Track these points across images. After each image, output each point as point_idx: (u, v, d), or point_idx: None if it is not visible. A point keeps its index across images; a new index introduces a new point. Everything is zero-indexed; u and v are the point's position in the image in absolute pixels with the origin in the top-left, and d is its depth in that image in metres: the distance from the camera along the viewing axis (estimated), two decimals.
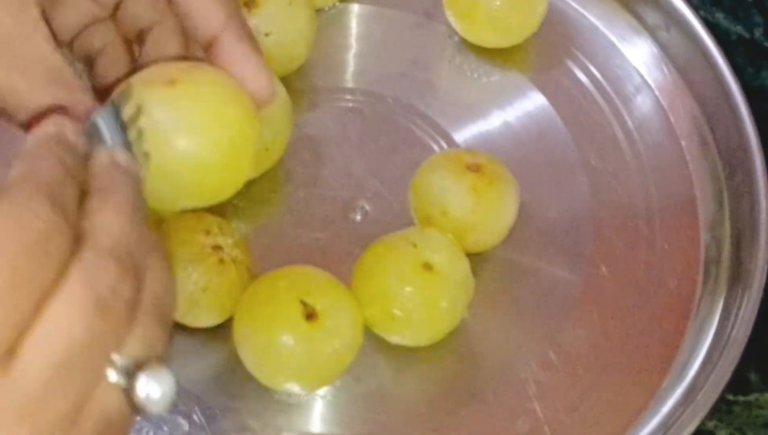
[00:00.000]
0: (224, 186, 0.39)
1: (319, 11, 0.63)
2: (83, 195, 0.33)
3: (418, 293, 0.52)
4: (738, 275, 0.56)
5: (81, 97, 0.38)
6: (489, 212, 0.55)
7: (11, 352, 0.29)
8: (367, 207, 0.58)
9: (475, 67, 0.63)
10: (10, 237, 0.29)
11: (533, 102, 0.62)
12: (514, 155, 0.59)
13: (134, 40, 0.43)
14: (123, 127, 0.36)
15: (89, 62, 0.43)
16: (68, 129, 0.34)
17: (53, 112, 0.36)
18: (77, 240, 0.31)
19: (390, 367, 0.54)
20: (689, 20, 0.62)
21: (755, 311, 0.53)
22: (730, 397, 0.55)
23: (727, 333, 0.54)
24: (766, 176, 0.57)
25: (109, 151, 0.35)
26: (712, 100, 0.61)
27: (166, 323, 0.33)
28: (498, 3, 0.60)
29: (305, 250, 0.56)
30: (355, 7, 0.65)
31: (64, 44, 0.42)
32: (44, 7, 0.39)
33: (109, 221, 0.32)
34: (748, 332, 0.53)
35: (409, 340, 0.53)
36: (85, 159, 0.34)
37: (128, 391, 0.31)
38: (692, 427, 0.51)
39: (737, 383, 0.54)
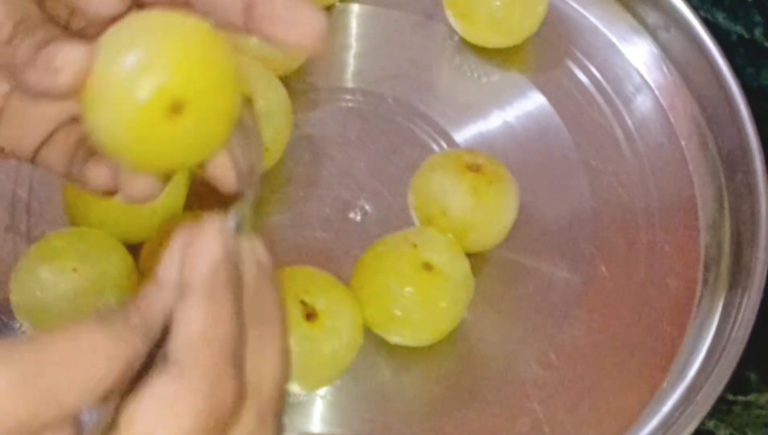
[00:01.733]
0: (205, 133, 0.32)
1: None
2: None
3: (418, 293, 0.52)
4: (738, 275, 0.56)
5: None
6: (489, 212, 0.55)
7: None
8: (367, 207, 0.58)
9: (475, 67, 0.63)
10: (200, 420, 0.27)
11: (533, 102, 0.62)
12: (514, 155, 0.59)
13: None
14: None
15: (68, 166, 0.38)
16: (229, 237, 0.29)
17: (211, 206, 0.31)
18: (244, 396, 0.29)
19: (390, 367, 0.54)
20: (689, 20, 0.62)
21: (755, 311, 0.53)
22: (730, 397, 0.55)
23: (727, 333, 0.54)
24: (766, 176, 0.57)
25: (251, 248, 0.30)
26: (712, 100, 0.61)
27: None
28: (498, 3, 0.60)
29: (305, 250, 0.56)
30: (355, 7, 0.65)
31: (39, 146, 0.37)
32: None
33: (270, 375, 0.29)
34: (748, 332, 0.53)
35: (409, 340, 0.53)
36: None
37: None
38: (692, 427, 0.51)
39: (737, 383, 0.54)
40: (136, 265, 0.53)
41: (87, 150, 0.37)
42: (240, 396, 0.28)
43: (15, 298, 0.52)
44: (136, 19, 0.32)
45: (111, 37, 0.31)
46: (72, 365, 0.26)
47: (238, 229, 0.30)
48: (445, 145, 0.60)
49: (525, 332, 0.55)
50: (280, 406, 0.30)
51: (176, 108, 0.30)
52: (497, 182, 0.55)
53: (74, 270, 0.51)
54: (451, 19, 0.63)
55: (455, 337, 0.54)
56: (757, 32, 0.65)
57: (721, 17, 0.66)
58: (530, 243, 0.57)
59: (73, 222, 0.55)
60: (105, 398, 0.27)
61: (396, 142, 0.60)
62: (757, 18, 0.65)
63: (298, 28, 0.34)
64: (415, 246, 0.52)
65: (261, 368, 0.29)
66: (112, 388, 0.27)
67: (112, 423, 0.27)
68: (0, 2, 0.33)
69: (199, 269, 0.29)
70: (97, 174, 0.36)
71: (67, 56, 0.32)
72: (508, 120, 0.62)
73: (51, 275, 0.51)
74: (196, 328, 0.28)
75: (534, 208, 0.58)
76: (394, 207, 0.58)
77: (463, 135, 0.61)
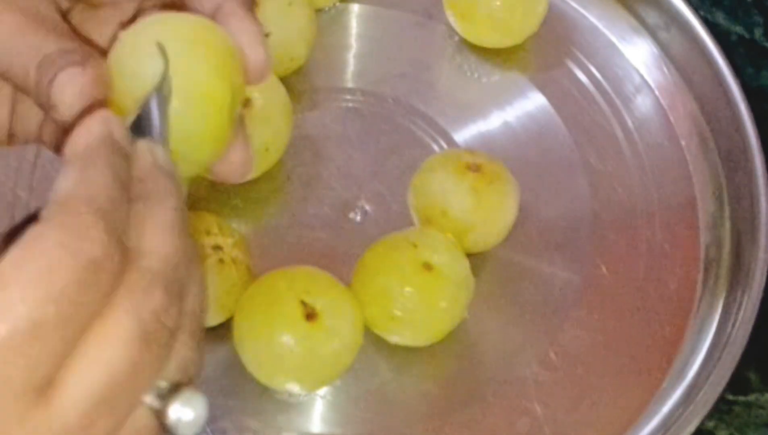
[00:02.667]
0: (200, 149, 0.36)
1: (319, 11, 0.63)
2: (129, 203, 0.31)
3: (418, 293, 0.52)
4: (738, 275, 0.56)
5: (78, 44, 0.36)
6: (489, 212, 0.55)
7: (51, 382, 0.28)
8: (367, 207, 0.58)
9: (475, 67, 0.63)
10: (62, 265, 0.28)
11: (533, 102, 0.62)
12: (514, 155, 0.59)
13: None
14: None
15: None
16: (116, 126, 0.32)
17: (97, 106, 0.33)
18: (124, 258, 0.29)
19: (390, 367, 0.54)
20: (689, 20, 0.62)
21: (755, 311, 0.53)
22: (730, 397, 0.55)
23: (727, 333, 0.54)
24: (766, 176, 0.57)
25: (150, 147, 0.33)
26: (712, 100, 0.61)
27: (200, 342, 0.32)
28: (498, 3, 0.60)
29: (305, 250, 0.56)
30: (355, 7, 0.65)
31: None
32: None
33: (157, 240, 0.30)
34: (748, 332, 0.53)
35: (409, 340, 0.53)
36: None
37: (161, 413, 0.30)
38: (692, 427, 0.51)
39: (737, 383, 0.54)
40: None
41: None
42: (119, 257, 0.29)
43: None
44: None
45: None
46: None
47: (138, 130, 0.33)
48: (445, 145, 0.60)
49: (525, 332, 0.55)
50: (175, 286, 0.30)
51: None
52: (497, 182, 0.55)
53: None
54: (451, 19, 0.63)
55: (455, 337, 0.54)
56: (757, 32, 0.65)
57: (721, 17, 0.66)
58: (530, 243, 0.57)
59: None
60: None
61: (396, 142, 0.60)
62: (757, 18, 0.65)
63: (245, 52, 0.37)
64: (415, 246, 0.52)
65: (144, 237, 0.30)
66: None
67: None
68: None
69: (75, 141, 0.31)
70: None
71: (65, 95, 0.34)
72: (508, 120, 0.62)
73: None
74: (63, 189, 0.29)
75: (534, 208, 0.58)
76: (394, 207, 0.58)
77: (463, 135, 0.61)
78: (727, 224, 0.58)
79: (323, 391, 0.53)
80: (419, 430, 0.53)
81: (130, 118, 0.33)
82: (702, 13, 0.64)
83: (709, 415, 0.52)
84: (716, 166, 0.60)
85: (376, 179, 0.59)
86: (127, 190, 0.31)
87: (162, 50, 0.34)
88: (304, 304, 0.50)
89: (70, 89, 0.34)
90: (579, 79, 0.63)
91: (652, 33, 0.64)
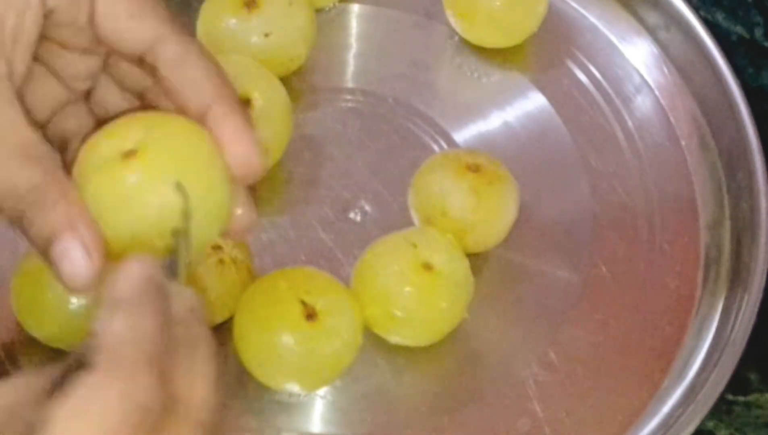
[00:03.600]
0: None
1: (319, 11, 0.63)
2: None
3: (418, 293, 0.52)
4: (738, 275, 0.56)
5: (57, 178, 0.36)
6: (489, 212, 0.55)
7: None
8: (367, 207, 0.58)
9: (475, 67, 0.63)
10: (117, 415, 0.28)
11: (533, 102, 0.62)
12: (514, 155, 0.59)
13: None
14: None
15: (64, 145, 0.41)
16: (156, 269, 0.32)
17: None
18: (169, 404, 0.30)
19: (390, 367, 0.54)
20: (689, 20, 0.62)
21: (755, 311, 0.53)
22: (730, 397, 0.55)
23: (727, 333, 0.54)
24: (766, 176, 0.57)
25: (181, 291, 0.33)
26: (712, 100, 0.61)
27: None
28: (498, 3, 0.60)
29: (305, 250, 0.56)
30: (355, 7, 0.65)
31: (38, 125, 0.40)
32: (17, 85, 0.37)
33: (197, 389, 0.31)
34: (748, 332, 0.53)
35: (409, 340, 0.53)
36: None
37: None
38: (692, 427, 0.51)
39: (737, 383, 0.54)
40: None
41: None
42: (165, 403, 0.29)
43: (15, 298, 0.52)
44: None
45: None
46: None
47: (171, 273, 0.34)
48: (445, 145, 0.60)
49: (525, 332, 0.55)
50: (212, 427, 0.31)
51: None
52: (497, 182, 0.55)
53: None
54: (451, 19, 0.63)
55: (455, 337, 0.54)
56: (757, 32, 0.65)
57: (721, 17, 0.66)
58: (530, 243, 0.57)
59: None
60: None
61: (396, 142, 0.60)
62: (757, 18, 0.65)
63: (238, 157, 0.37)
64: (415, 246, 0.52)
65: (192, 387, 0.31)
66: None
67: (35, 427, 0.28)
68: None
69: (118, 285, 0.32)
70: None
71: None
72: (508, 120, 0.62)
73: (51, 275, 0.51)
74: (113, 332, 0.30)
75: (534, 208, 0.58)
76: (394, 207, 0.58)
77: (463, 135, 0.61)
78: (727, 224, 0.58)
79: (323, 391, 0.53)
80: (419, 430, 0.53)
81: (166, 259, 0.34)
82: (702, 13, 0.64)
83: (709, 415, 0.52)
84: (716, 166, 0.60)
85: (376, 179, 0.59)
86: (170, 333, 0.31)
87: (182, 190, 0.35)
88: (304, 304, 0.50)
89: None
90: (579, 79, 0.63)
91: (652, 33, 0.64)
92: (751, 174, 0.57)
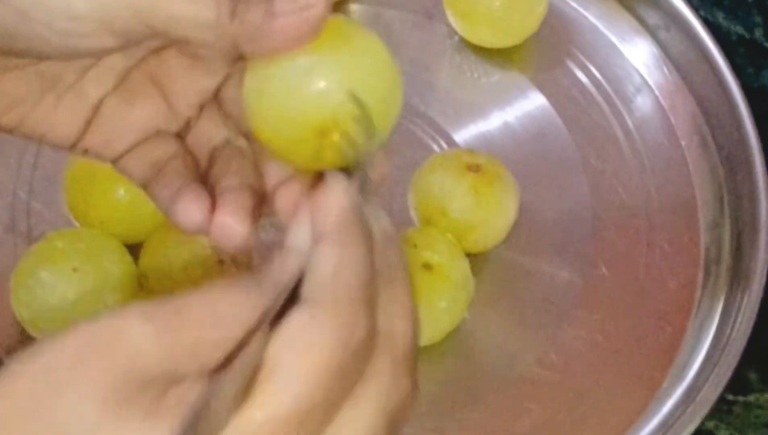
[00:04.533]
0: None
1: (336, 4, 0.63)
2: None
3: (418, 293, 0.51)
4: (738, 275, 0.56)
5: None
6: (489, 212, 0.55)
7: None
8: None
9: (475, 67, 0.63)
10: (333, 353, 0.28)
11: (533, 102, 0.62)
12: (514, 155, 0.59)
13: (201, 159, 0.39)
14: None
15: (148, 178, 0.38)
16: (355, 193, 0.32)
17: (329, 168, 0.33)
18: (376, 341, 0.30)
19: None
20: (689, 20, 0.62)
21: (755, 311, 0.53)
22: (730, 397, 0.55)
23: (727, 333, 0.54)
24: (766, 176, 0.57)
25: (377, 214, 0.32)
26: (712, 100, 0.61)
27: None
28: (498, 3, 0.60)
29: None
30: (355, 7, 0.65)
31: (123, 153, 0.38)
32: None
33: (400, 326, 0.31)
34: (748, 332, 0.53)
35: None
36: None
37: None
38: (692, 427, 0.51)
39: (737, 383, 0.54)
40: (136, 265, 0.53)
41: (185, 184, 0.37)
42: (372, 338, 0.29)
43: (15, 298, 0.52)
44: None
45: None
46: (210, 325, 0.28)
47: (362, 190, 0.32)
48: (445, 145, 0.60)
49: (525, 332, 0.55)
50: (412, 363, 0.31)
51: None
52: (497, 182, 0.55)
53: (74, 270, 0.51)
54: (451, 19, 0.63)
55: (455, 337, 0.54)
56: (757, 32, 0.65)
57: (721, 17, 0.66)
58: (530, 243, 0.57)
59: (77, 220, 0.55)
60: (242, 345, 0.28)
61: (396, 142, 0.60)
62: (757, 18, 0.65)
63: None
64: (415, 246, 0.52)
65: (392, 319, 0.31)
66: (244, 342, 0.28)
67: (255, 365, 0.28)
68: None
69: (328, 217, 0.31)
70: (187, 209, 0.36)
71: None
72: (508, 120, 0.62)
73: (51, 275, 0.51)
74: (329, 269, 0.29)
75: (534, 208, 0.58)
76: (394, 207, 0.58)
77: (463, 135, 0.61)
78: (727, 224, 0.58)
79: None
80: (419, 430, 0.52)
81: (358, 178, 0.32)
82: (702, 13, 0.64)
83: (709, 415, 0.52)
84: (716, 166, 0.60)
85: None
86: (374, 265, 0.31)
87: (355, 98, 0.33)
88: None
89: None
90: (579, 79, 0.63)
91: (652, 33, 0.64)
92: (751, 174, 0.57)
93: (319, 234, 0.30)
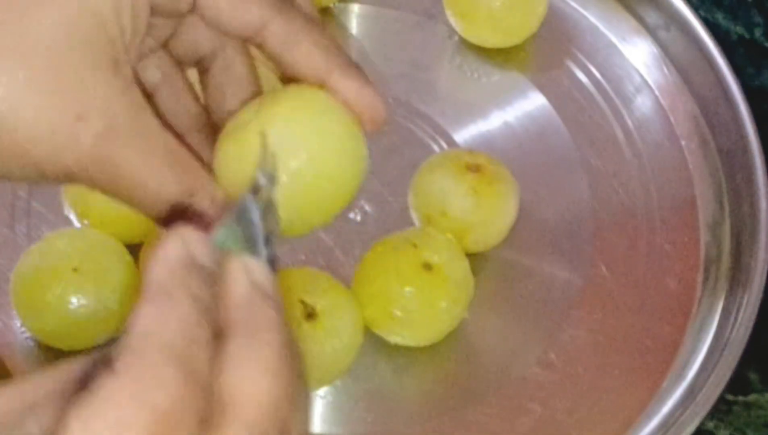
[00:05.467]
0: (326, 209, 0.36)
1: (319, 11, 0.63)
2: (217, 331, 0.27)
3: (418, 293, 0.52)
4: (738, 275, 0.56)
5: (204, 181, 0.35)
6: (489, 212, 0.55)
7: None
8: (367, 207, 0.58)
9: (475, 67, 0.63)
10: (133, 421, 0.24)
11: (533, 102, 0.62)
12: (514, 155, 0.59)
13: (191, 66, 0.39)
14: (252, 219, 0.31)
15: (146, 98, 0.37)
16: (196, 244, 0.28)
17: (176, 219, 0.32)
18: (215, 403, 0.26)
19: (390, 367, 0.54)
20: (689, 20, 0.62)
21: (755, 311, 0.53)
22: (730, 397, 0.55)
23: (727, 333, 0.54)
24: (766, 176, 0.57)
25: (246, 265, 0.29)
26: (712, 100, 0.61)
27: None
28: (498, 3, 0.60)
29: (305, 250, 0.56)
30: (355, 7, 0.65)
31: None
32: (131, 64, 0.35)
33: (255, 385, 0.26)
34: (748, 332, 0.53)
35: (409, 340, 0.53)
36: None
37: None
38: (692, 427, 0.51)
39: (737, 383, 0.54)
40: (136, 265, 0.53)
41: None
42: (199, 404, 0.25)
43: (15, 298, 0.52)
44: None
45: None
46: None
47: (227, 244, 0.29)
48: (445, 145, 0.60)
49: (525, 332, 0.55)
50: (283, 423, 0.27)
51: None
52: (497, 182, 0.55)
53: (74, 270, 0.51)
54: (451, 19, 0.63)
55: (455, 337, 0.54)
56: (757, 32, 0.65)
57: (721, 17, 0.66)
58: (530, 243, 0.57)
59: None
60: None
61: (396, 142, 0.60)
62: (757, 18, 0.65)
63: (365, 113, 0.37)
64: (415, 246, 0.52)
65: (243, 381, 0.27)
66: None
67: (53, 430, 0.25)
68: None
69: (151, 271, 0.28)
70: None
71: None
72: (508, 120, 0.62)
73: (51, 275, 0.51)
74: (138, 328, 0.26)
75: (534, 208, 0.58)
76: (394, 207, 0.58)
77: (463, 135, 0.61)
78: (727, 224, 0.58)
79: (323, 391, 0.53)
80: (419, 430, 0.53)
81: (219, 228, 0.30)
82: (702, 13, 0.64)
83: (709, 415, 0.52)
84: (716, 166, 0.60)
85: (376, 179, 0.59)
86: (213, 323, 0.27)
87: (263, 139, 0.34)
88: (304, 304, 0.50)
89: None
90: (579, 79, 0.63)
91: (652, 33, 0.64)
92: (751, 174, 0.57)
93: (143, 291, 0.27)
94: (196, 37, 0.38)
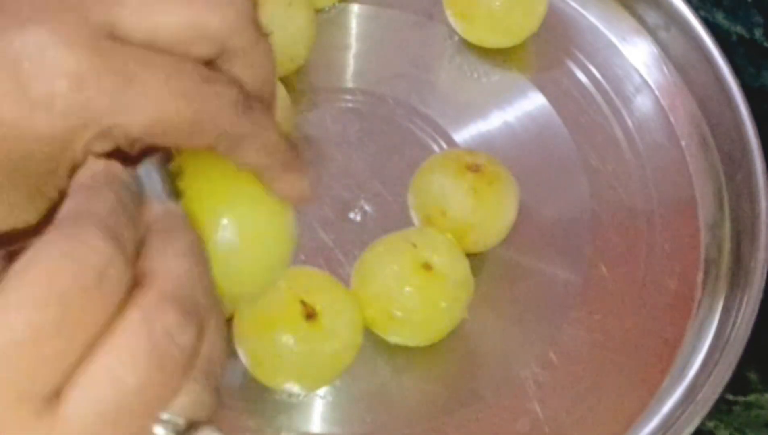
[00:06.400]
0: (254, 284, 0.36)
1: (319, 11, 0.63)
2: (141, 242, 0.29)
3: (418, 293, 0.52)
4: (738, 275, 0.56)
5: None
6: (489, 212, 0.55)
7: (57, 393, 0.27)
8: (367, 207, 0.58)
9: (475, 67, 0.63)
10: (61, 272, 0.27)
11: (533, 102, 0.62)
12: (514, 155, 0.59)
13: None
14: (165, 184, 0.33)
15: None
16: (119, 168, 0.31)
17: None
18: (136, 283, 0.28)
19: (390, 367, 0.54)
20: (689, 20, 0.62)
21: (755, 311, 0.53)
22: (730, 397, 0.55)
23: (727, 333, 0.54)
24: (766, 176, 0.57)
25: (162, 200, 0.32)
26: (712, 100, 0.61)
27: (217, 389, 0.30)
28: (498, 3, 0.60)
29: (305, 250, 0.56)
30: (355, 7, 0.65)
31: None
32: None
33: (172, 263, 0.29)
34: (748, 332, 0.53)
35: (408, 340, 0.53)
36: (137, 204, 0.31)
37: None
38: (692, 427, 0.51)
39: (737, 383, 0.54)
40: None
41: None
42: (122, 267, 0.28)
43: None
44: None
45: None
46: None
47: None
48: (445, 145, 0.60)
49: (525, 332, 0.55)
50: (191, 309, 0.29)
51: None
52: (497, 182, 0.55)
53: None
54: (451, 19, 0.63)
55: (455, 337, 0.54)
56: (757, 32, 0.65)
57: (721, 17, 0.66)
58: (530, 243, 0.57)
59: None
60: None
61: (396, 142, 0.60)
62: (757, 18, 0.65)
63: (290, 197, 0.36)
64: (415, 246, 0.52)
65: (166, 261, 0.29)
66: None
67: None
68: None
69: (79, 176, 0.30)
70: None
71: None
72: (508, 120, 0.62)
73: None
74: (67, 207, 0.29)
75: (534, 208, 0.58)
76: (394, 207, 0.58)
77: (463, 135, 0.61)
78: (727, 224, 0.58)
79: (323, 391, 0.53)
80: (419, 430, 0.53)
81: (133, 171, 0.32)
82: (702, 13, 0.64)
83: (709, 415, 0.52)
84: (716, 166, 0.60)
85: (376, 179, 0.59)
86: (134, 220, 0.29)
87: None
88: (304, 304, 0.50)
89: None
90: (579, 79, 0.63)
91: (652, 33, 0.64)
92: (751, 174, 0.57)
93: (72, 189, 0.30)
94: None
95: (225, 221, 0.34)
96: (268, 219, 0.35)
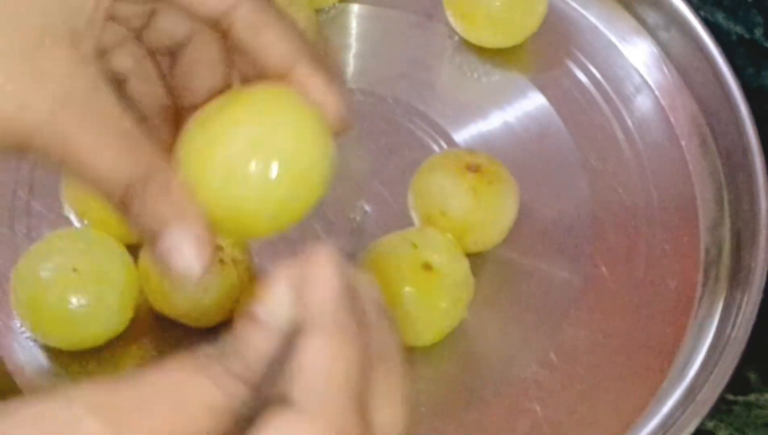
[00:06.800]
0: (294, 209, 0.37)
1: (319, 11, 0.63)
2: None
3: (418, 293, 0.52)
4: (738, 275, 0.56)
5: (160, 166, 0.34)
6: (489, 212, 0.55)
7: None
8: (367, 207, 0.58)
9: (475, 67, 0.63)
10: None
11: (533, 102, 0.62)
12: (514, 155, 0.59)
13: (164, 54, 0.39)
14: None
15: (117, 84, 0.37)
16: (345, 267, 0.28)
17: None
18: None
19: None
20: (689, 20, 0.62)
21: (755, 311, 0.53)
22: (730, 397, 0.55)
23: (727, 333, 0.54)
24: (766, 176, 0.57)
25: (365, 285, 0.29)
26: (712, 100, 0.61)
27: None
28: (498, 3, 0.60)
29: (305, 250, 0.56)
30: (355, 7, 0.65)
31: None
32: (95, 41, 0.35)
33: (392, 417, 0.28)
34: (748, 332, 0.53)
35: (409, 340, 0.53)
36: None
37: None
38: (692, 427, 0.51)
39: (737, 383, 0.54)
40: (136, 265, 0.53)
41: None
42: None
43: (15, 298, 0.52)
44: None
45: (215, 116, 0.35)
46: (173, 415, 0.26)
47: (351, 260, 0.29)
48: (445, 145, 0.60)
49: (525, 332, 0.55)
50: None
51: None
52: (497, 182, 0.55)
53: (74, 270, 0.51)
54: (451, 19, 0.63)
55: (455, 337, 0.54)
56: (757, 32, 0.65)
57: (721, 17, 0.66)
58: (530, 243, 0.57)
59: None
60: None
61: (396, 142, 0.60)
62: (757, 18, 0.65)
63: (326, 111, 0.36)
64: (415, 246, 0.52)
65: (383, 409, 0.28)
66: None
67: None
68: None
69: (320, 302, 0.27)
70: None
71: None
72: (508, 120, 0.62)
73: (51, 275, 0.51)
74: (322, 368, 0.26)
75: (534, 208, 0.58)
76: (394, 207, 0.58)
77: (463, 135, 0.61)
78: (727, 224, 0.58)
79: None
80: (419, 430, 0.52)
81: (346, 246, 0.31)
82: (702, 13, 0.64)
83: (709, 415, 0.52)
84: (716, 166, 0.60)
85: (376, 179, 0.59)
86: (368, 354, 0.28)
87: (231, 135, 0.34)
88: None
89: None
90: (579, 79, 0.63)
91: (652, 33, 0.64)
92: (751, 174, 0.57)
93: (306, 319, 0.27)
94: (167, 26, 0.38)
95: (267, 145, 0.34)
96: (307, 140, 0.35)
